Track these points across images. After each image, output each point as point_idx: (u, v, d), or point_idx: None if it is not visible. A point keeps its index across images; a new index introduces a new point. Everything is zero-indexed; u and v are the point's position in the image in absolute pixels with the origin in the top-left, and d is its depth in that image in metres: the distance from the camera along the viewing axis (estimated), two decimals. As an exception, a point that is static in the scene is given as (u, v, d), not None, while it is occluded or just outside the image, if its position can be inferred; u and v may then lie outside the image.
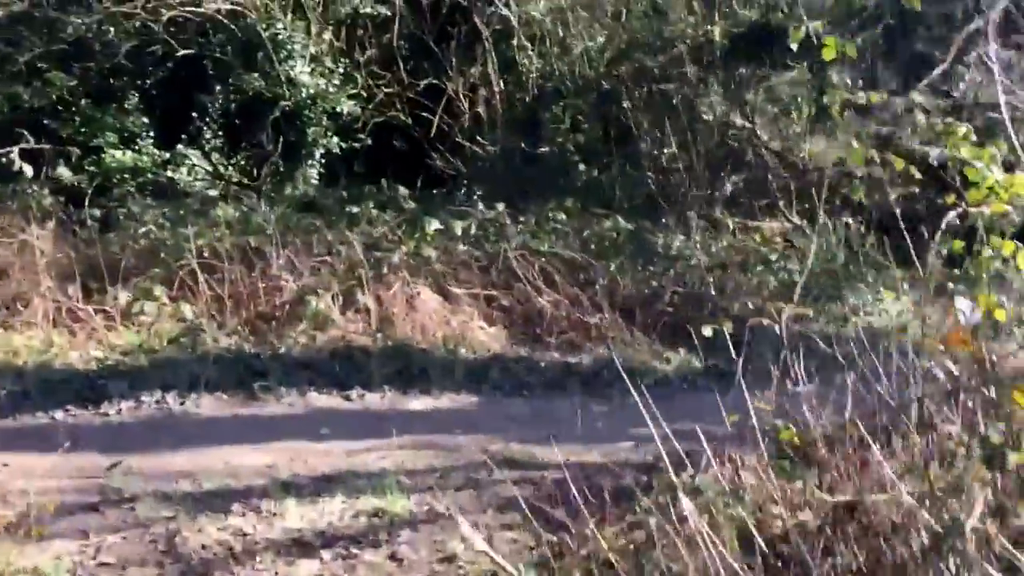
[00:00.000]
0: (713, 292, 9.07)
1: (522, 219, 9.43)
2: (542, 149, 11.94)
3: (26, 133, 10.71)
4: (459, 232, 8.72)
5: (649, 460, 6.16)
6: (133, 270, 8.62)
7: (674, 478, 3.68)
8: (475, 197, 12.33)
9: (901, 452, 3.86)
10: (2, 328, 7.90)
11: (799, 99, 16.25)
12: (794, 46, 4.01)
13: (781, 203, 14.17)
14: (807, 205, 14.33)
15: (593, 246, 9.76)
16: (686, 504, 3.31)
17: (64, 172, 10.85)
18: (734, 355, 8.35)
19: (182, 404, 6.92)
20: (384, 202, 10.45)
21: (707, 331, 4.32)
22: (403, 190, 10.11)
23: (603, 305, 8.33)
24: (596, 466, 6.00)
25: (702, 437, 3.95)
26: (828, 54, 3.66)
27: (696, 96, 14.12)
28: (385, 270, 8.32)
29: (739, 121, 14.65)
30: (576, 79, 13.36)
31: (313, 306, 7.92)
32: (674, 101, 13.66)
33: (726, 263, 9.48)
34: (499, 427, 6.78)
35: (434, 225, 8.63)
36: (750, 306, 9.07)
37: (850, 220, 11.06)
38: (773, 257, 9.55)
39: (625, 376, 7.94)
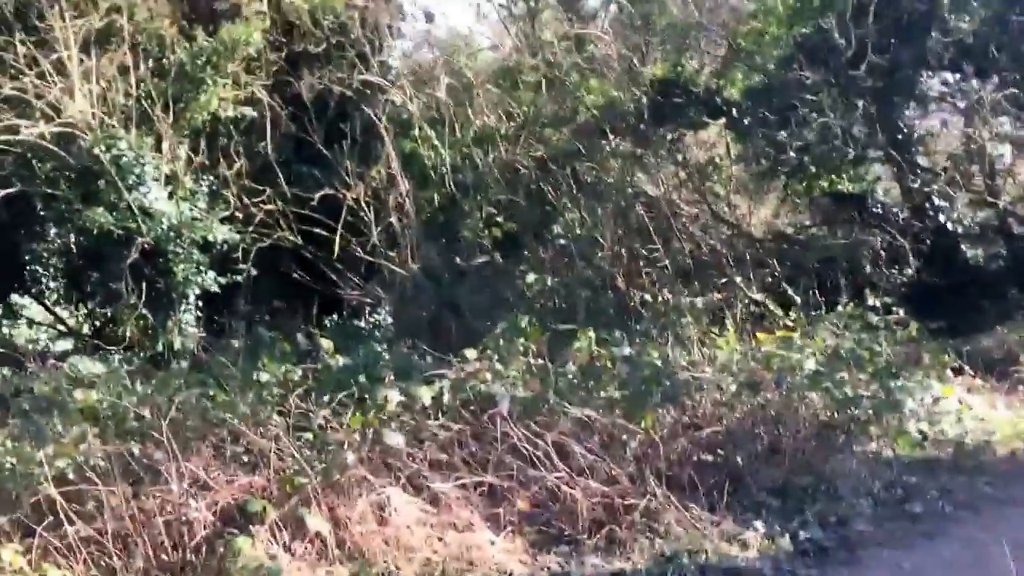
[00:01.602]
0: (759, 426, 7.01)
1: (499, 364, 7.09)
2: (481, 259, 9.69)
3: None
4: (428, 401, 6.35)
5: None
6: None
7: None
8: (388, 326, 10.05)
9: None
10: None
11: (717, 159, 14.69)
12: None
13: (739, 279, 12.39)
14: (769, 280, 12.63)
15: (578, 383, 7.53)
16: None
17: None
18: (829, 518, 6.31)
19: None
20: (300, 355, 8.00)
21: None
22: (326, 343, 7.63)
23: (644, 475, 6.10)
24: None
25: None
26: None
27: (628, 170, 12.27)
28: (335, 472, 5.85)
29: (676, 196, 12.88)
30: (491, 166, 11.26)
31: (243, 549, 5.37)
32: (606, 180, 11.75)
33: (755, 380, 7.41)
34: None
35: (395, 397, 6.22)
36: (809, 438, 7.05)
37: (875, 300, 9.18)
38: (810, 364, 7.55)
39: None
